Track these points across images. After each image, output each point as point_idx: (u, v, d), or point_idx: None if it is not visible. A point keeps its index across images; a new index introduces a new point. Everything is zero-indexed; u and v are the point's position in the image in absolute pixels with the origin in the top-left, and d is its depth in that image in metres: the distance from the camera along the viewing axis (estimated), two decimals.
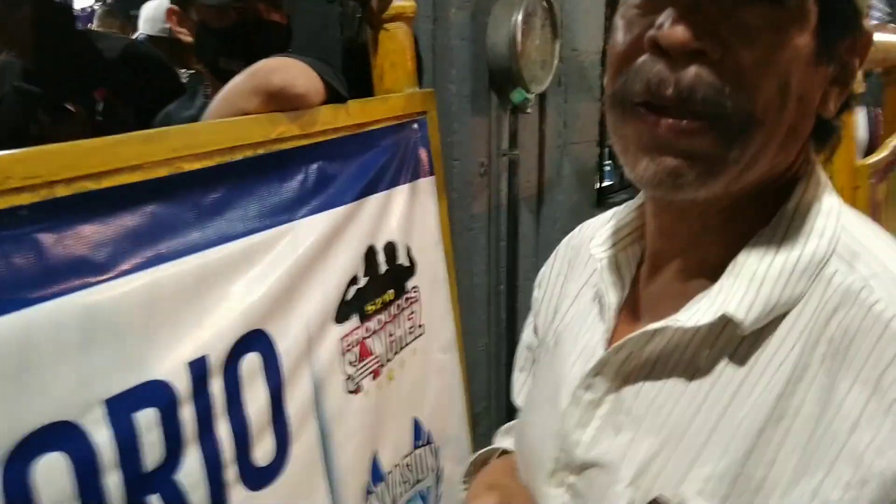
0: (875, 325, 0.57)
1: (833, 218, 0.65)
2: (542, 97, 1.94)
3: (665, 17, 0.59)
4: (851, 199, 1.53)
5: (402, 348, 1.37)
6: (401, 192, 1.40)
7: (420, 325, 1.44)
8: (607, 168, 2.76)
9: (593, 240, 0.80)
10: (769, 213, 0.66)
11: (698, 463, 0.63)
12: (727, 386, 0.63)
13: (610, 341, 0.73)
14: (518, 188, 1.84)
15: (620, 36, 0.64)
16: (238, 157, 1.00)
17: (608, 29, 2.44)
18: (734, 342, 0.64)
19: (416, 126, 1.49)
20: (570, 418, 0.73)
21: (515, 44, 1.63)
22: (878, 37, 1.69)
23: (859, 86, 1.49)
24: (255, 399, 1.00)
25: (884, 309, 0.58)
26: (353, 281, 1.23)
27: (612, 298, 0.75)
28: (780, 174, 0.66)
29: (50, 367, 0.76)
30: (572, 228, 0.93)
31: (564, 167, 2.11)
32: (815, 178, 0.67)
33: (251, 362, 1.00)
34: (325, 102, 1.23)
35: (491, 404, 1.83)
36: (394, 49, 1.48)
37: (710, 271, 0.67)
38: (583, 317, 0.81)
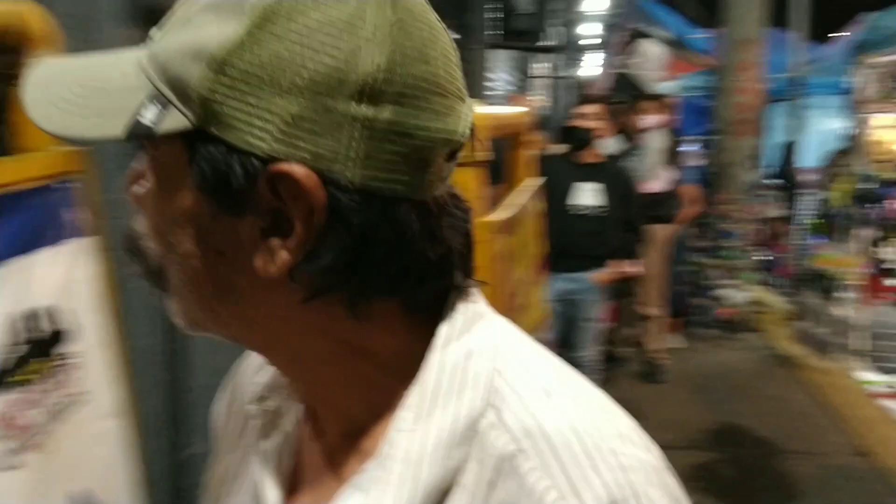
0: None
1: (486, 357, 0.58)
2: None
3: None
4: (479, 253, 1.73)
5: (55, 419, 1.31)
6: (49, 254, 1.35)
7: (77, 393, 1.38)
8: None
9: (251, 386, 0.70)
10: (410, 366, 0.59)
11: None
12: None
13: None
14: None
15: None
16: None
17: None
18: None
19: (65, 185, 1.44)
20: None
21: None
22: (490, 109, 1.95)
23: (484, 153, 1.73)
24: None
25: (536, 482, 0.53)
26: None
27: (269, 486, 0.65)
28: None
29: None
30: None
31: None
32: (458, 313, 0.60)
33: None
34: None
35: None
36: None
37: (367, 438, 0.60)
38: (240, 474, 0.72)
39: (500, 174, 2.29)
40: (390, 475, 0.54)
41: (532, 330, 2.56)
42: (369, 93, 0.50)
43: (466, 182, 1.70)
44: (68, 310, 1.38)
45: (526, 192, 2.41)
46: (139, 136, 0.52)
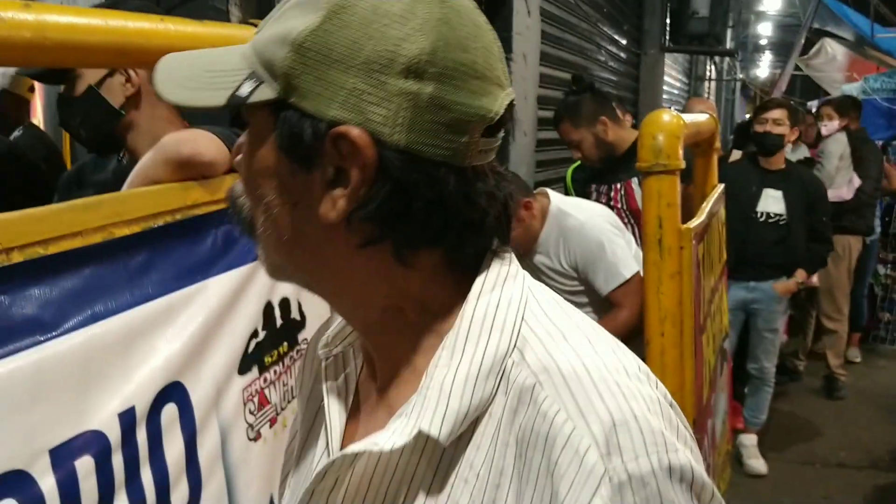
0: (544, 425, 0.61)
1: (513, 308, 0.67)
2: None
3: None
4: (679, 259, 1.76)
5: (294, 397, 1.46)
6: None
7: None
8: None
9: (323, 337, 0.81)
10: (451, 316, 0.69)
11: None
12: (435, 500, 0.66)
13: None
14: None
15: None
16: (159, 222, 1.09)
17: None
18: (438, 454, 0.66)
19: None
20: None
21: None
22: (687, 117, 1.98)
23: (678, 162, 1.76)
24: (173, 447, 1.07)
25: (549, 407, 0.61)
26: (254, 334, 1.32)
27: (335, 417, 0.77)
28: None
29: (5, 419, 0.82)
30: None
31: None
32: (492, 271, 0.70)
33: (169, 412, 1.07)
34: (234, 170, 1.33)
35: None
36: None
37: (413, 375, 0.70)
38: (316, 420, 0.83)
39: (686, 178, 2.32)
40: (426, 401, 0.64)
41: (719, 337, 2.55)
42: (415, 71, 0.61)
43: (663, 189, 1.73)
44: (305, 300, 1.52)
45: (713, 198, 2.41)
46: (236, 105, 0.64)
